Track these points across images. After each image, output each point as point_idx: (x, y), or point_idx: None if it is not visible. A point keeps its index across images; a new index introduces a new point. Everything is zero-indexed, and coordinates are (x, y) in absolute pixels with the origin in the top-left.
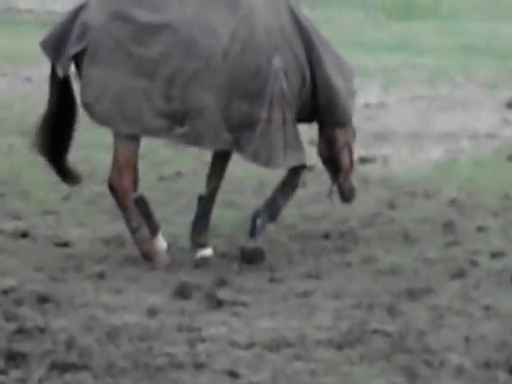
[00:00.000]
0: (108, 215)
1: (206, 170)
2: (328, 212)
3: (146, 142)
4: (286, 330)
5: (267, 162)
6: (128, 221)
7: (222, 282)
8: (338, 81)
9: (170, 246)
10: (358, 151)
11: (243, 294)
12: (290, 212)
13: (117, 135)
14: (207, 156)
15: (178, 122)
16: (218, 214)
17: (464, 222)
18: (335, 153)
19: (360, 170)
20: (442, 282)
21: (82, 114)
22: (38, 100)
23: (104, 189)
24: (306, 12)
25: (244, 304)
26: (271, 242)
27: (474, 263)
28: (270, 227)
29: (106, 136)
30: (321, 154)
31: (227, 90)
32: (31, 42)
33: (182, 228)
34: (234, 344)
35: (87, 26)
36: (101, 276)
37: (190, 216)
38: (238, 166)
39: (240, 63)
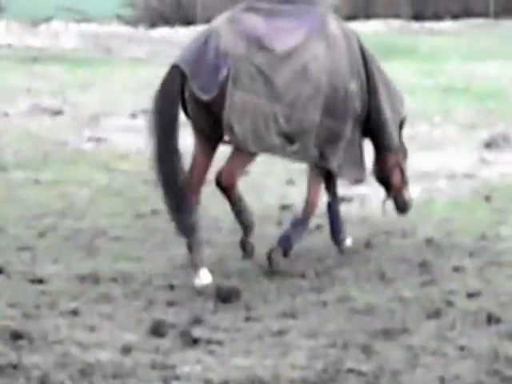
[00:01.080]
0: (83, 252)
1: None
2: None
3: (121, 180)
4: (261, 369)
5: (349, 176)
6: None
7: (197, 320)
8: (387, 110)
9: (145, 284)
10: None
11: (218, 333)
12: (265, 251)
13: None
14: None
15: (289, 140)
16: None
17: (440, 261)
18: (386, 173)
19: None
20: (418, 322)
21: (53, 149)
22: (15, 135)
23: (80, 225)
24: None
25: (219, 342)
26: (247, 281)
27: (449, 303)
28: (246, 265)
29: (80, 172)
30: (374, 174)
31: (324, 110)
32: (9, 77)
33: (157, 266)
34: (208, 382)
35: (226, 54)
36: (75, 313)
37: (166, 254)
38: (214, 204)
39: (332, 86)
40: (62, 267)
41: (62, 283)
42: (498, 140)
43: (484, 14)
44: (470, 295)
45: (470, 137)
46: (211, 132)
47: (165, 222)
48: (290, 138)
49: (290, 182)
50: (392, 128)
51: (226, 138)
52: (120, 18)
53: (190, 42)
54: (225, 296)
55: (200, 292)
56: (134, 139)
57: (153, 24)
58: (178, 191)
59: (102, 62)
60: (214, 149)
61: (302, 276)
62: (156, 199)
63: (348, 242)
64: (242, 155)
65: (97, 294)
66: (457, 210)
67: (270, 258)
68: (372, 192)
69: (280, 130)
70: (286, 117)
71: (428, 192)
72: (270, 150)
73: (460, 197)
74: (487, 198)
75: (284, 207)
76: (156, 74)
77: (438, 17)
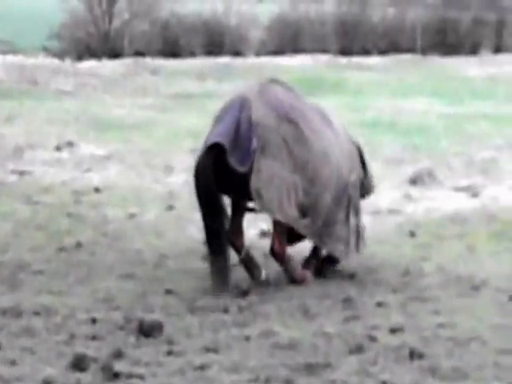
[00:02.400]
0: (5, 285)
1: (105, 240)
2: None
3: (45, 213)
4: None
5: (343, 255)
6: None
7: (118, 354)
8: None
9: (67, 318)
10: (260, 224)
11: (140, 367)
12: (189, 285)
13: None
14: (107, 227)
15: (303, 213)
16: (116, 285)
17: (364, 297)
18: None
19: (261, 244)
20: (341, 357)
21: None
22: None
23: (2, 258)
24: (212, 85)
25: (140, 376)
26: (169, 315)
27: (372, 338)
28: (169, 300)
29: (3, 205)
30: None
31: (332, 195)
32: None
33: (79, 299)
34: None
35: (257, 124)
36: None
37: (89, 287)
38: (137, 238)
39: (339, 174)
40: None
41: None
42: (423, 176)
43: (411, 50)
44: (393, 330)
45: (396, 172)
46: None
47: (88, 256)
48: (303, 212)
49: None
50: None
51: (254, 205)
52: (47, 50)
53: (222, 113)
54: (147, 330)
55: (122, 326)
56: (59, 172)
57: (79, 56)
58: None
59: (28, 93)
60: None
61: (225, 311)
62: (79, 232)
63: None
64: (281, 225)
65: (18, 327)
66: (381, 246)
67: None
68: None
69: (298, 202)
70: (305, 190)
71: None
72: (289, 219)
73: (384, 232)
74: (411, 234)
75: None
76: (82, 107)
77: (365, 52)
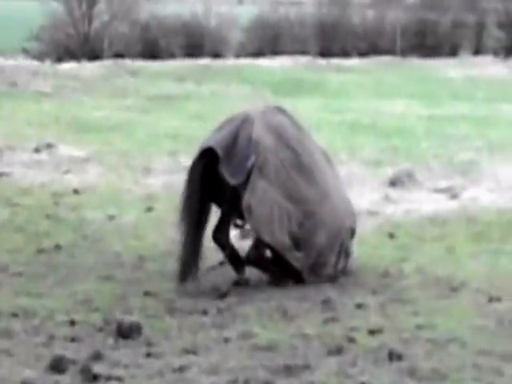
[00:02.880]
0: None
1: (84, 242)
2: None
3: (24, 215)
4: None
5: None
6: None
7: (97, 356)
8: None
9: (46, 320)
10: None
11: (119, 369)
12: (168, 287)
13: None
14: (86, 229)
15: (296, 245)
16: (95, 287)
17: (343, 299)
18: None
19: (242, 244)
20: (320, 359)
21: None
22: None
23: None
24: (192, 87)
25: (119, 378)
26: (148, 317)
27: (351, 340)
28: (148, 302)
29: None
30: None
31: (327, 237)
32: None
33: (58, 301)
34: None
35: (257, 143)
36: None
37: (68, 289)
38: (116, 240)
39: (336, 215)
40: None
41: None
42: (403, 177)
43: (391, 52)
44: (372, 332)
45: (375, 174)
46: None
47: (67, 258)
48: (297, 244)
49: None
50: None
51: (243, 221)
52: (26, 52)
53: (224, 124)
54: (126, 332)
55: (101, 328)
56: (38, 174)
57: (59, 58)
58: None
59: (7, 95)
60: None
61: (204, 312)
62: (59, 234)
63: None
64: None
65: None
66: (360, 247)
67: None
68: None
69: (291, 231)
70: (300, 222)
71: None
72: (279, 245)
73: (364, 234)
74: (391, 235)
75: None
76: (61, 109)
77: (345, 54)
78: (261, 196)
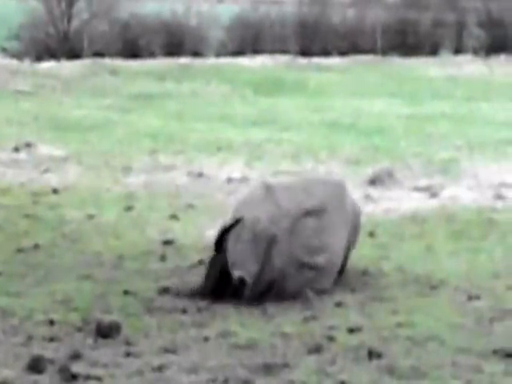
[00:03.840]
0: None
1: (63, 242)
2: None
3: (2, 214)
4: None
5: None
6: None
7: (76, 356)
8: None
9: (24, 319)
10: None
11: (98, 368)
12: (147, 285)
13: None
14: (65, 228)
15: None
16: (74, 286)
17: (322, 297)
18: None
19: None
20: (299, 357)
21: None
22: None
23: None
24: (172, 86)
25: (98, 378)
26: (128, 316)
27: (330, 338)
28: (127, 301)
29: None
30: None
31: None
32: None
33: (37, 301)
34: None
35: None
36: None
37: (46, 289)
38: (96, 239)
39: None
40: None
41: None
42: (383, 176)
43: (371, 51)
44: (352, 330)
45: (355, 173)
46: None
47: (46, 257)
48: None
49: (174, 217)
50: None
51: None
52: (5, 51)
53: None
54: (105, 331)
55: (80, 327)
56: (17, 173)
57: (38, 57)
58: None
59: None
60: None
61: (184, 311)
62: (37, 234)
63: None
64: None
65: None
66: None
67: None
68: None
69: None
70: None
71: None
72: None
73: None
74: (371, 234)
75: (167, 242)
76: (41, 108)
77: (325, 53)
78: None
